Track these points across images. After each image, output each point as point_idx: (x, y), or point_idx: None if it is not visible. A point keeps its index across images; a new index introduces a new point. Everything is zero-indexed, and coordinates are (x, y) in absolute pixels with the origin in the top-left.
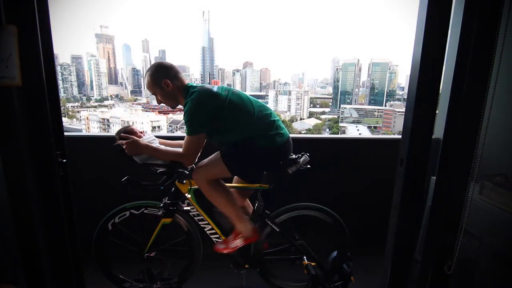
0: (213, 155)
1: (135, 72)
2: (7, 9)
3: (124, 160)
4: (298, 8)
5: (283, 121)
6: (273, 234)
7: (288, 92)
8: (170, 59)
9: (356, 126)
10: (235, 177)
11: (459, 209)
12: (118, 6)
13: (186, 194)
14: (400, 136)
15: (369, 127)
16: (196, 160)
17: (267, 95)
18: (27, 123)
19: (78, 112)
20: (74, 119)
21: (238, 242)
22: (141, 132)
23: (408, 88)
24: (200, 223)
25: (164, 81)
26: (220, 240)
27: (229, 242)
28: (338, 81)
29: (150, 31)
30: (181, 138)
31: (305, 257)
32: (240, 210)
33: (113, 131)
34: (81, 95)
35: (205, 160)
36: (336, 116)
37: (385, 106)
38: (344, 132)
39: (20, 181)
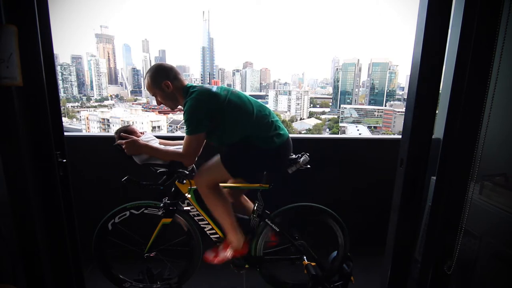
0: (213, 160)
1: (135, 72)
2: (7, 9)
3: (124, 160)
4: (298, 8)
5: (283, 121)
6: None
7: (288, 92)
8: (170, 59)
9: (356, 126)
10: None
11: (459, 209)
12: (118, 6)
13: (186, 194)
14: (400, 136)
15: (369, 127)
16: (196, 159)
17: (267, 95)
18: (27, 123)
19: (78, 112)
20: (74, 119)
21: (227, 253)
22: (141, 133)
23: (408, 88)
24: (200, 223)
25: (164, 82)
26: (218, 239)
27: (219, 252)
28: (338, 81)
29: (150, 31)
30: (181, 138)
31: (305, 257)
32: (235, 221)
33: (113, 131)
34: (81, 95)
35: (206, 165)
36: (336, 116)
37: (385, 106)
38: (344, 132)
39: (20, 181)
